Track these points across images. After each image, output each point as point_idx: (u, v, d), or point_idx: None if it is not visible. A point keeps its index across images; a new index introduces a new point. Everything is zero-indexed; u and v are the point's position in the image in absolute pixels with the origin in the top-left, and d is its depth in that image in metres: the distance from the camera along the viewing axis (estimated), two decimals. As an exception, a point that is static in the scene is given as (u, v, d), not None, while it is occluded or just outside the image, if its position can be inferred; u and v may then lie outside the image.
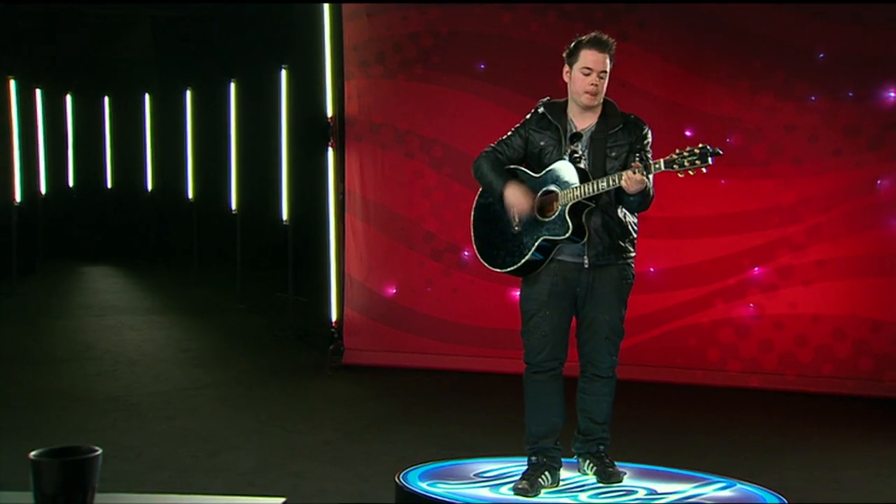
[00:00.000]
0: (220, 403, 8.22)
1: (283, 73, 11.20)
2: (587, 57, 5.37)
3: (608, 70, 5.38)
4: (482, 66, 9.22)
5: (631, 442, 6.62)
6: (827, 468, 6.45)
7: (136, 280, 16.01)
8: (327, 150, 9.48)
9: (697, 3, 8.68)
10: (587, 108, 5.42)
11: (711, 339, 8.75)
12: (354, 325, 9.56)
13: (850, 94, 8.38)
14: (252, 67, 14.36)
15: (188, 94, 16.15)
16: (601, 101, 5.42)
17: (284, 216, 11.33)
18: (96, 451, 2.22)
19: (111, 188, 18.96)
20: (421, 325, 9.43)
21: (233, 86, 13.67)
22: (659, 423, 7.58)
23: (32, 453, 2.28)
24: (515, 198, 5.42)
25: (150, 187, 18.43)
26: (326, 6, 9.43)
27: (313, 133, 10.16)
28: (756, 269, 8.61)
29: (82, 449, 2.26)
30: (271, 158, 12.22)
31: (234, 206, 13.83)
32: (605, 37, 5.42)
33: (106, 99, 18.70)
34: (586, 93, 5.37)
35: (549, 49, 8.97)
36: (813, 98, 8.46)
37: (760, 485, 5.53)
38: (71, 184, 18.70)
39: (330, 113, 9.47)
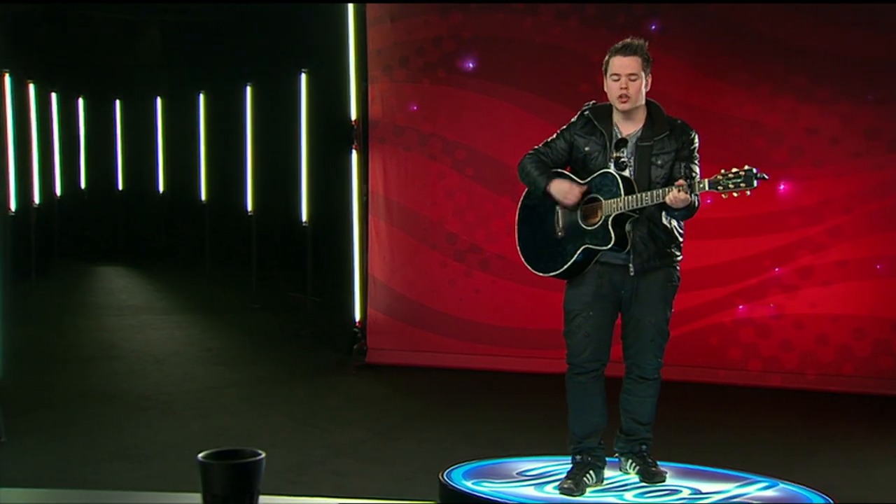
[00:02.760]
0: (250, 402, 8.33)
1: (303, 76, 11.28)
2: (614, 64, 5.45)
3: (639, 72, 5.41)
4: (504, 70, 9.33)
5: (658, 440, 6.72)
6: (858, 467, 6.57)
7: (150, 280, 16.08)
8: (351, 152, 9.59)
9: (718, 9, 8.79)
10: (632, 113, 5.49)
11: (733, 338, 8.87)
12: (377, 324, 9.68)
13: (870, 98, 8.50)
14: (269, 71, 14.43)
15: (201, 97, 16.24)
16: (637, 104, 5.47)
17: (304, 218, 11.41)
18: (260, 454, 2.31)
19: (122, 190, 19.04)
20: (443, 325, 9.55)
21: (249, 89, 13.76)
22: (684, 422, 7.66)
23: (200, 455, 2.37)
24: (562, 189, 5.47)
25: (161, 189, 18.51)
26: (351, 10, 9.53)
27: (337, 136, 10.27)
28: (777, 269, 8.73)
29: (245, 452, 2.34)
30: (289, 161, 12.31)
31: (249, 207, 13.92)
32: (632, 40, 5.48)
33: (118, 102, 18.77)
34: (618, 98, 5.45)
35: (571, 53, 9.13)
36: (834, 102, 8.58)
37: (802, 483, 5.62)
38: (83, 186, 18.78)
39: (354, 116, 9.57)
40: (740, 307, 8.84)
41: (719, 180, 5.11)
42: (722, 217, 8.78)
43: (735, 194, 5.09)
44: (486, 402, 8.38)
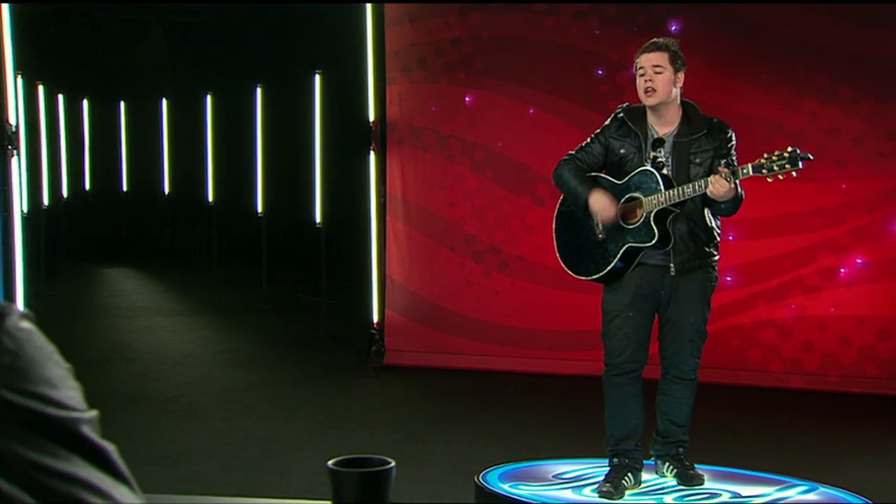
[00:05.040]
0: (271, 404, 8.29)
1: (317, 77, 11.24)
2: (640, 60, 5.47)
3: (665, 65, 5.39)
4: (524, 71, 9.31)
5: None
6: (890, 469, 6.54)
7: (158, 281, 16.04)
8: (369, 153, 9.56)
9: (739, 9, 8.77)
10: (665, 112, 5.47)
11: (754, 339, 8.85)
12: (395, 326, 9.65)
13: (894, 98, 8.48)
14: (280, 73, 14.40)
15: (208, 98, 16.18)
16: (667, 99, 5.44)
17: (318, 219, 11.37)
18: (390, 462, 2.28)
19: (127, 191, 19.01)
20: (461, 327, 9.52)
21: (259, 90, 13.71)
22: (708, 424, 7.63)
23: (330, 462, 2.34)
24: (601, 205, 5.45)
25: (167, 190, 18.47)
26: (369, 10, 9.50)
27: (354, 137, 10.24)
28: (798, 270, 8.71)
29: (373, 460, 2.30)
30: (302, 162, 12.27)
31: (259, 208, 13.87)
32: (657, 39, 5.51)
33: (122, 104, 18.73)
34: (644, 91, 5.44)
35: (591, 54, 9.11)
36: (856, 102, 8.56)
37: (842, 487, 5.59)
38: (88, 187, 18.75)
39: (372, 117, 9.54)
40: (761, 308, 8.80)
41: (763, 164, 5.07)
42: (743, 218, 8.63)
43: (780, 177, 5.05)
44: (507, 404, 8.35)
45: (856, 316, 8.57)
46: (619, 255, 5.40)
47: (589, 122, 8.86)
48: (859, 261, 8.57)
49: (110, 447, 1.11)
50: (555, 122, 9.20)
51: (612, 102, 8.84)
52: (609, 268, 5.44)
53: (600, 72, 9.09)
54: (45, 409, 1.07)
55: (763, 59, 8.75)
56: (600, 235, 5.49)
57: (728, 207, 5.30)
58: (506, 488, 5.50)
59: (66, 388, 1.10)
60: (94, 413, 1.11)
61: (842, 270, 8.62)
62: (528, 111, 9.30)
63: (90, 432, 1.11)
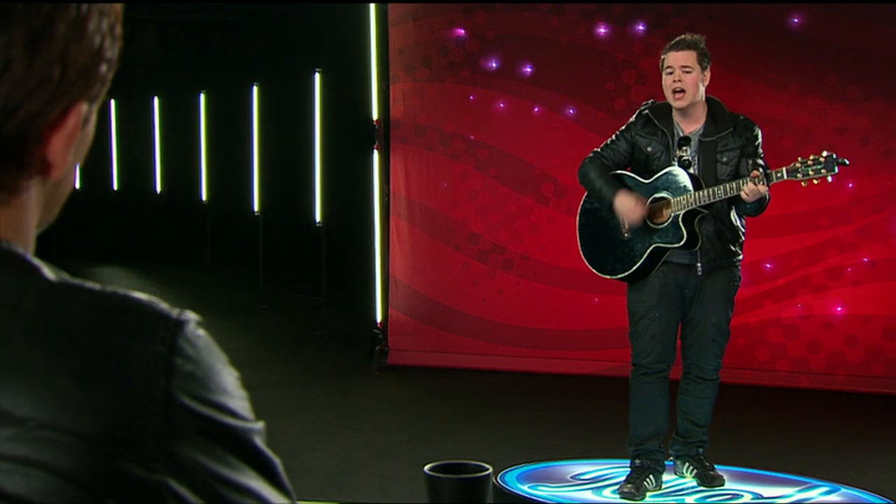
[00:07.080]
0: (279, 404, 8.21)
1: (317, 76, 11.18)
2: (668, 59, 5.42)
3: (693, 65, 5.36)
4: (529, 70, 9.28)
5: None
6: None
7: (152, 281, 15.92)
8: (372, 152, 9.51)
9: (746, 7, 8.75)
10: (691, 110, 5.43)
11: (760, 338, 8.82)
12: (399, 325, 9.60)
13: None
14: (278, 71, 14.33)
15: (202, 97, 16.10)
16: (695, 100, 5.41)
17: (318, 218, 11.31)
18: (487, 468, 2.24)
19: (118, 190, 18.92)
20: (466, 326, 9.48)
21: (255, 89, 13.63)
22: (719, 425, 7.58)
23: (427, 468, 2.30)
24: (627, 207, 5.41)
25: (158, 189, 18.37)
26: (373, 10, 9.44)
27: (356, 136, 10.19)
28: (805, 269, 8.69)
29: (469, 467, 2.26)
30: (301, 161, 12.21)
31: (256, 207, 13.80)
32: (686, 36, 5.46)
33: (113, 102, 18.63)
34: (672, 91, 5.39)
35: (596, 53, 9.08)
36: (864, 100, 8.54)
37: (862, 487, 5.57)
38: (78, 186, 18.64)
39: (375, 116, 9.49)
40: (768, 307, 8.78)
41: (798, 168, 5.05)
42: (750, 217, 8.72)
43: (815, 181, 5.03)
44: (515, 404, 8.31)
45: (863, 315, 8.56)
46: (645, 255, 5.36)
47: (594, 121, 8.89)
48: (866, 260, 8.56)
49: (276, 460, 1.08)
50: (560, 121, 9.19)
51: (617, 101, 8.89)
52: (634, 267, 5.40)
53: (606, 70, 9.06)
54: (222, 418, 1.03)
55: (770, 58, 8.73)
56: (626, 234, 5.46)
57: (753, 207, 5.29)
58: (525, 489, 5.47)
59: (239, 398, 1.07)
60: (262, 424, 1.08)
61: (849, 269, 8.60)
62: (533, 110, 9.27)
63: (261, 443, 1.07)
